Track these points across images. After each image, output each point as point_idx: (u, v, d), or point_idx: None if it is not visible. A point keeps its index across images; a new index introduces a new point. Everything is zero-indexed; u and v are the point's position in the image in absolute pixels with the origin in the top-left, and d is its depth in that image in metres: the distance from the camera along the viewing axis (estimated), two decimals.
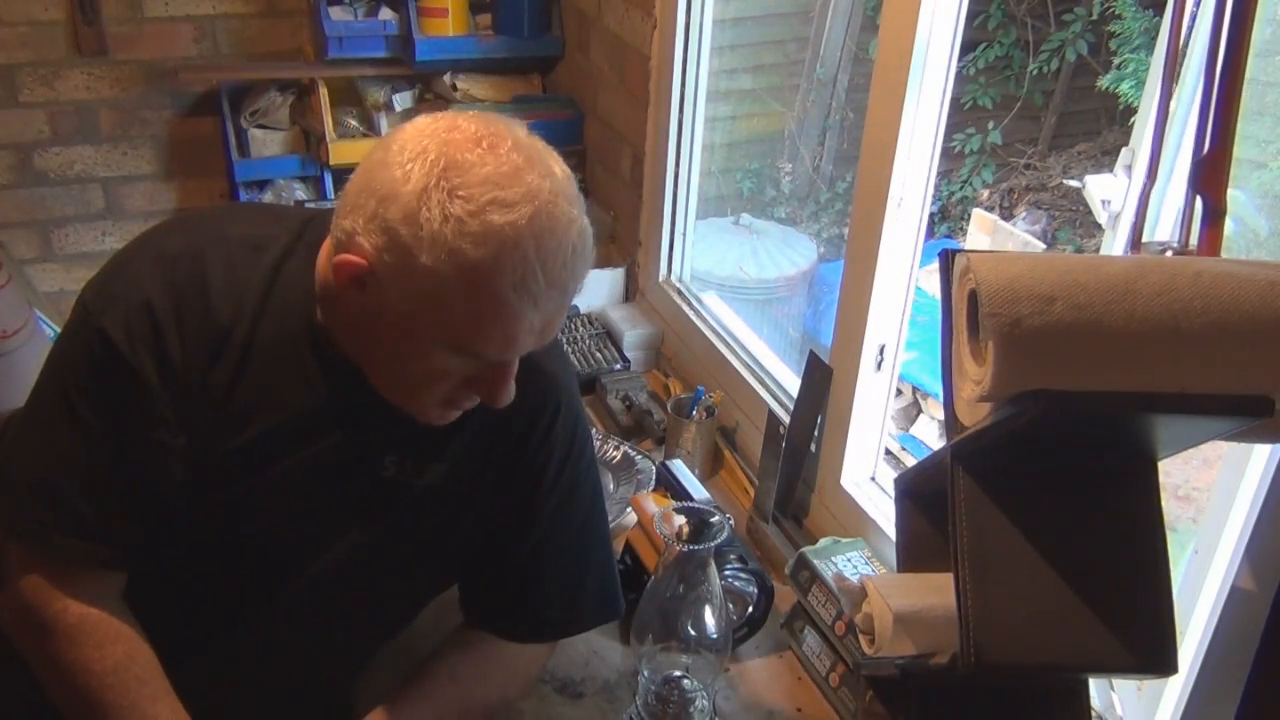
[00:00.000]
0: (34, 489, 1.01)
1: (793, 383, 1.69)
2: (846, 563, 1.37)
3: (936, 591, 0.91)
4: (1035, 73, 4.38)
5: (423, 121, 0.93)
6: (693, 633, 1.20)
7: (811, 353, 1.55)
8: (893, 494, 1.44)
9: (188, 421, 1.00)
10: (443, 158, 0.88)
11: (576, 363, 1.95)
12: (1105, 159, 4.34)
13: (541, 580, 1.17)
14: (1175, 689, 1.08)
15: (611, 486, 1.69)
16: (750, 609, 1.38)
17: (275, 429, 1.02)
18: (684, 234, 2.03)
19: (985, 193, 4.48)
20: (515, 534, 1.15)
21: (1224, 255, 0.85)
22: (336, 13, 2.37)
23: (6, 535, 1.03)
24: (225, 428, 1.01)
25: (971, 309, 0.77)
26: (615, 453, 1.74)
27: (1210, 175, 0.83)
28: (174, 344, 0.98)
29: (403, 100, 2.43)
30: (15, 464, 1.03)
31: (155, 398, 0.98)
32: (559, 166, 0.93)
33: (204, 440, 1.01)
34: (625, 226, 2.19)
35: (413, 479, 1.07)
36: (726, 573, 1.35)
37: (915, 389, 3.48)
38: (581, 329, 2.04)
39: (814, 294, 3.43)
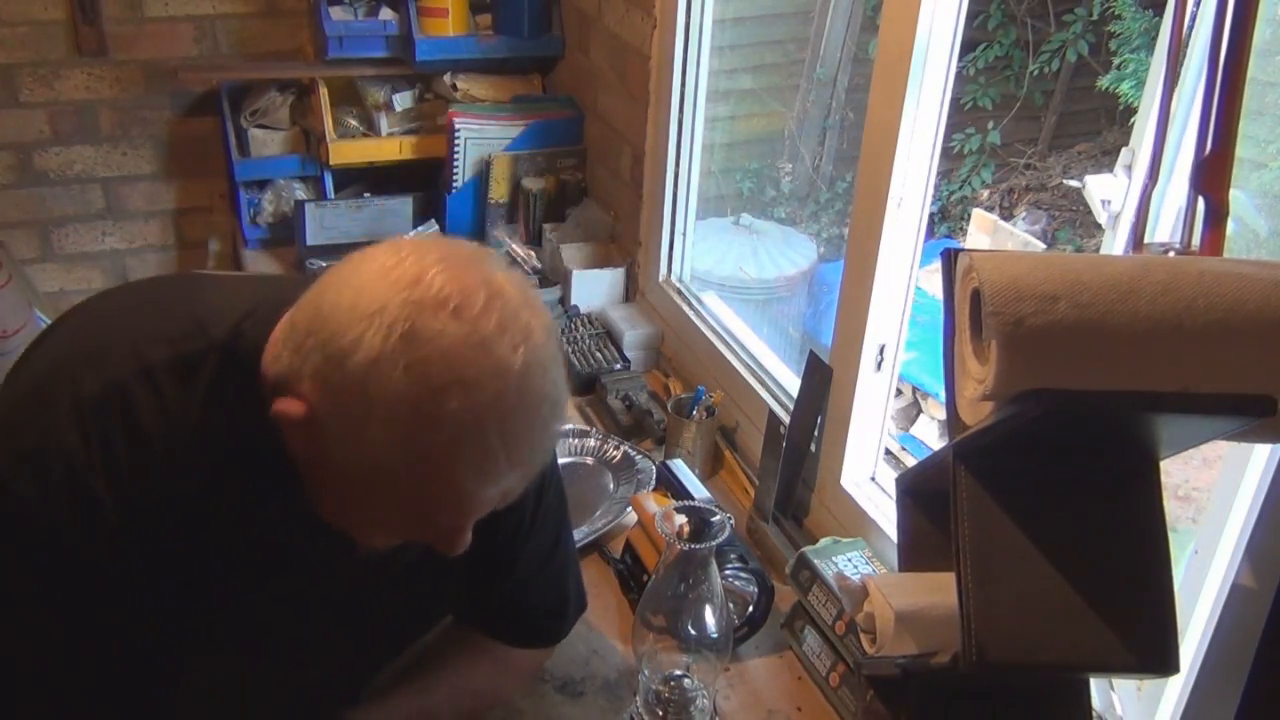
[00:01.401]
0: None
1: (793, 383, 1.69)
2: (847, 563, 1.37)
3: (938, 591, 0.91)
4: (1035, 73, 4.38)
5: (387, 263, 0.81)
6: (693, 632, 1.20)
7: (811, 353, 1.55)
8: (893, 494, 1.44)
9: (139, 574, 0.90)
10: (400, 323, 0.78)
11: (576, 363, 1.95)
12: (1105, 159, 4.34)
13: (528, 600, 1.20)
14: (1175, 689, 1.08)
15: (611, 486, 1.69)
16: (750, 608, 1.38)
17: (241, 563, 0.94)
18: (684, 234, 2.03)
19: (985, 193, 4.48)
20: (501, 571, 1.15)
21: (1225, 255, 0.85)
22: (336, 13, 2.37)
23: None
24: (187, 570, 0.92)
25: (974, 308, 0.77)
26: (615, 453, 1.74)
27: (1212, 176, 0.83)
28: (108, 503, 0.87)
29: (403, 100, 2.43)
30: None
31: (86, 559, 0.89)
32: (539, 321, 0.83)
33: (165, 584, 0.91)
34: (625, 226, 2.19)
35: (392, 558, 1.01)
36: (727, 572, 1.35)
37: (915, 389, 3.48)
38: (581, 329, 2.04)
39: (814, 294, 3.43)
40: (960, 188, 4.51)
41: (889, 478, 1.53)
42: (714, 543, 1.17)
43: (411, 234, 2.29)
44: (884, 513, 1.46)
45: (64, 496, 0.86)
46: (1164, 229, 1.10)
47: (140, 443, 0.88)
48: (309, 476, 0.88)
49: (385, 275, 0.80)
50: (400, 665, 1.19)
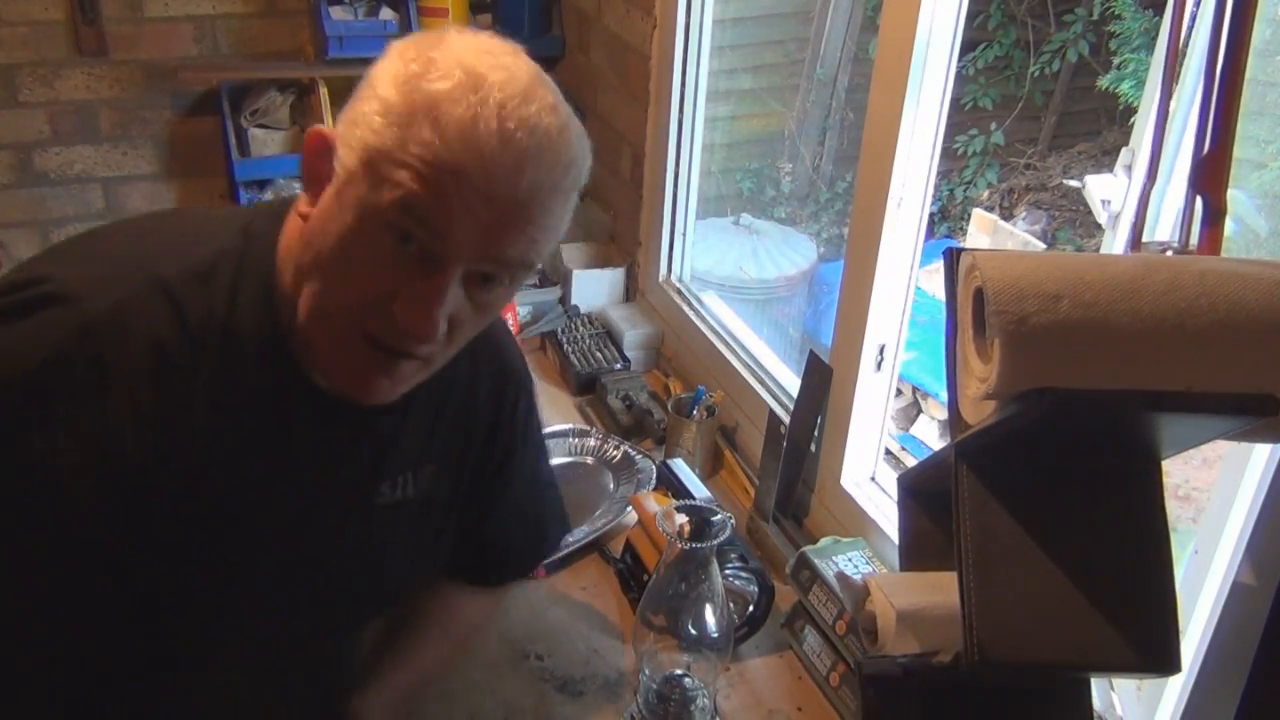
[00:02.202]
0: None
1: (793, 383, 1.69)
2: (847, 562, 1.37)
3: (939, 590, 0.91)
4: (1035, 73, 4.38)
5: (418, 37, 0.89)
6: (694, 631, 1.20)
7: (811, 353, 1.55)
8: (893, 494, 1.44)
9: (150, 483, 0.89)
10: (424, 49, 0.86)
11: (576, 363, 1.95)
12: (1105, 159, 4.35)
13: (512, 534, 1.22)
14: (1175, 689, 1.08)
15: (611, 486, 1.69)
16: (751, 608, 1.38)
17: (263, 484, 0.94)
18: (684, 234, 2.04)
19: (985, 193, 4.49)
20: (492, 502, 1.17)
21: (1224, 255, 0.85)
22: (337, 12, 2.37)
23: None
24: (206, 486, 0.91)
25: (977, 307, 0.77)
26: (615, 452, 1.74)
27: (1211, 175, 0.83)
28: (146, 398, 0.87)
29: None
30: None
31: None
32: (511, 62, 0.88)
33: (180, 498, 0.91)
34: (625, 226, 2.19)
35: (409, 495, 1.04)
36: (727, 572, 1.35)
37: (915, 389, 3.48)
38: (581, 329, 2.04)
39: (814, 294, 3.43)
40: (965, 189, 4.51)
41: (889, 478, 1.53)
42: (715, 542, 1.17)
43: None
44: (884, 513, 1.46)
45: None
46: (1164, 229, 1.10)
47: (157, 355, 0.87)
48: (314, 258, 0.87)
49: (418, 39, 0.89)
50: (382, 634, 1.20)
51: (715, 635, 1.20)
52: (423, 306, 0.85)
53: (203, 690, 1.03)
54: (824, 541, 1.43)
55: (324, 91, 2.38)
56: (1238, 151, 0.84)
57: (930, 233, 3.38)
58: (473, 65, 0.83)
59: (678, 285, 2.05)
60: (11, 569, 0.89)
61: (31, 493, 0.86)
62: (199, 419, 0.89)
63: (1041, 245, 3.92)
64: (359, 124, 0.85)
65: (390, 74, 0.85)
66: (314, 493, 0.98)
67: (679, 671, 1.23)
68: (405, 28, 2.35)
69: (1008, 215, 4.32)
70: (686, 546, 1.17)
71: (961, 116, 4.38)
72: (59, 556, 0.88)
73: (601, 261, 2.20)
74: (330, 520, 1.00)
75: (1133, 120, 1.32)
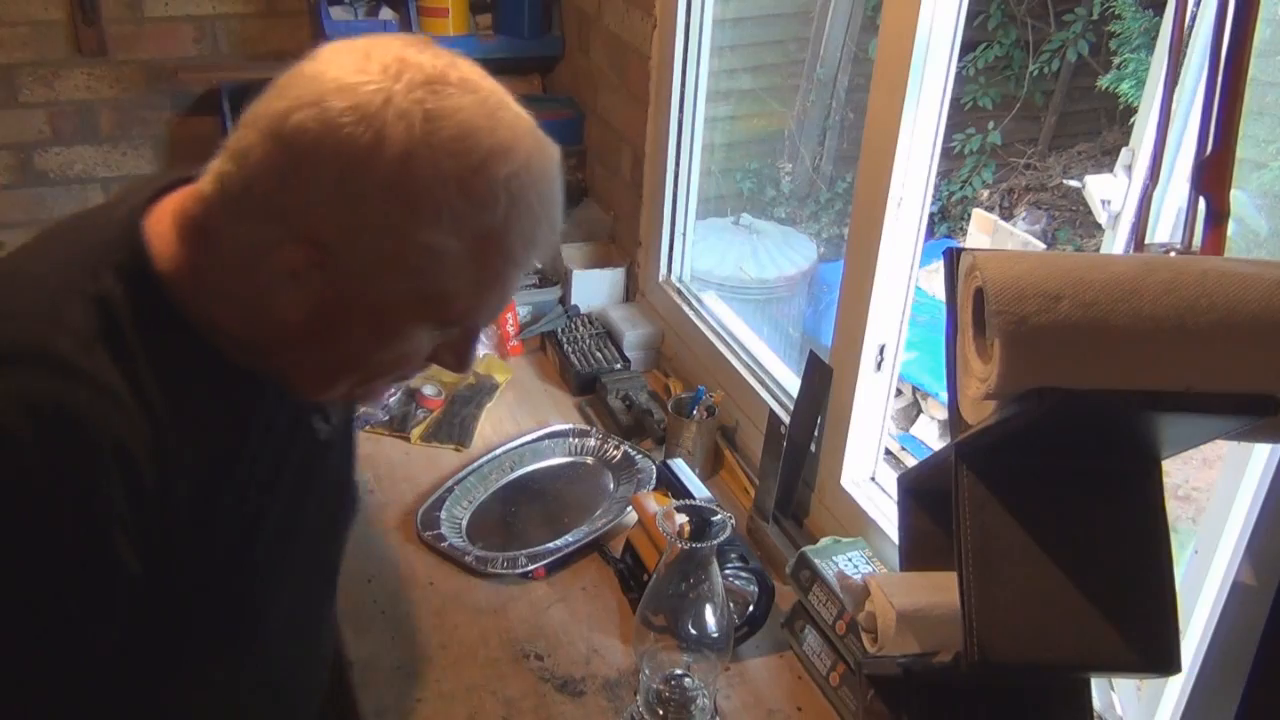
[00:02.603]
0: None
1: (793, 383, 1.69)
2: (847, 562, 1.37)
3: (939, 590, 0.91)
4: (1035, 73, 4.38)
5: (351, 65, 0.76)
6: (694, 631, 1.20)
7: (811, 353, 1.55)
8: (893, 494, 1.44)
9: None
10: (415, 106, 0.74)
11: (576, 363, 1.95)
12: (1105, 159, 4.35)
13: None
14: (1175, 689, 1.08)
15: (611, 486, 1.69)
16: (751, 608, 1.38)
17: (264, 483, 0.92)
18: (684, 234, 2.03)
19: (985, 193, 4.49)
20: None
21: (1225, 256, 0.85)
22: (337, 13, 2.37)
23: None
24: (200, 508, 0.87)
25: (977, 307, 0.77)
26: (615, 452, 1.74)
27: (1213, 176, 0.83)
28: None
29: None
30: None
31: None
32: (489, 79, 0.82)
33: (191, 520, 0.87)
34: (625, 226, 2.19)
35: (334, 423, 1.02)
36: (727, 571, 1.35)
37: (915, 389, 3.48)
38: (581, 329, 2.04)
39: (814, 294, 3.43)
40: (961, 188, 4.51)
41: (889, 478, 1.53)
42: (715, 542, 1.17)
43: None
44: (884, 513, 1.46)
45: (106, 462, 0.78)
46: (1164, 229, 1.10)
47: (122, 454, 0.79)
48: (294, 344, 0.83)
49: (363, 73, 0.75)
50: None
51: (715, 635, 1.20)
52: (471, 354, 0.89)
53: (242, 676, 1.02)
54: (824, 541, 1.43)
55: None
56: (1238, 151, 0.84)
57: (930, 233, 3.38)
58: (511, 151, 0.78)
59: (678, 285, 2.05)
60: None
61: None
62: (188, 473, 0.84)
63: (1041, 245, 3.92)
64: (407, 264, 0.77)
65: (440, 210, 0.75)
66: (292, 461, 0.96)
67: (679, 671, 1.23)
68: (405, 27, 2.35)
69: (1008, 215, 4.32)
70: (686, 546, 1.17)
71: (961, 116, 4.38)
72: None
73: (601, 261, 2.20)
74: (307, 475, 0.99)
75: (1133, 120, 1.32)
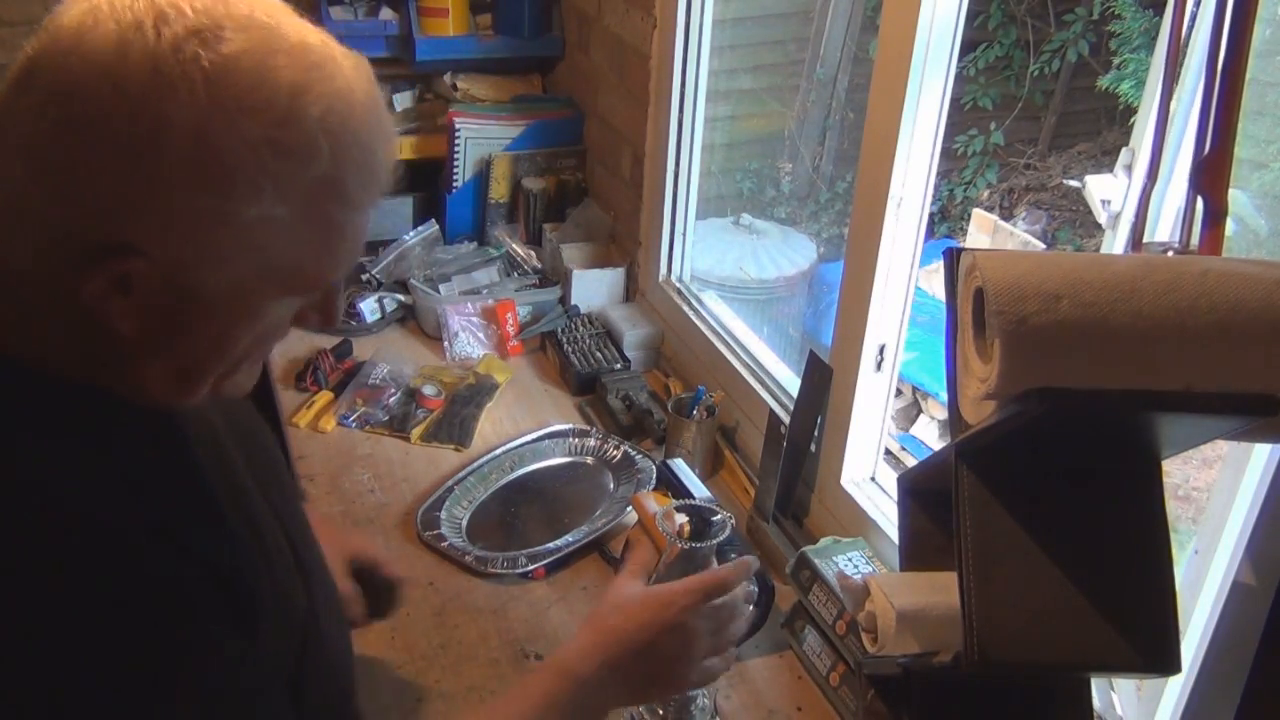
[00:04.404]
0: None
1: (793, 383, 1.69)
2: (847, 562, 1.37)
3: (940, 590, 0.91)
4: (1035, 73, 4.39)
5: (92, 13, 0.66)
6: None
7: (811, 353, 1.55)
8: (893, 494, 1.44)
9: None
10: (189, 68, 0.62)
11: (576, 363, 1.95)
12: (1105, 159, 4.35)
13: None
14: (1175, 689, 1.08)
15: (611, 486, 1.69)
16: (751, 608, 1.38)
17: (265, 509, 0.86)
18: (684, 234, 2.03)
19: (985, 192, 4.49)
20: None
21: (1224, 255, 0.85)
22: (337, 12, 2.37)
23: None
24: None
25: (977, 307, 0.77)
26: (615, 452, 1.74)
27: (1211, 176, 0.83)
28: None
29: (402, 100, 2.43)
30: None
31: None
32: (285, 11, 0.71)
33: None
34: (625, 226, 2.19)
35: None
36: None
37: (915, 389, 3.49)
38: (581, 329, 2.04)
39: (814, 294, 3.43)
40: (965, 189, 4.51)
41: (889, 478, 1.53)
42: (715, 541, 1.17)
43: None
44: (884, 513, 1.46)
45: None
46: (1164, 229, 1.10)
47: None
48: (151, 355, 0.71)
49: (115, 40, 0.63)
50: None
51: None
52: (337, 308, 0.80)
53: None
54: (824, 541, 1.43)
55: None
56: (1238, 152, 0.84)
57: (930, 233, 3.38)
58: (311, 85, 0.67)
59: (678, 285, 2.05)
60: None
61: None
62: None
63: (1041, 245, 3.92)
64: (236, 244, 0.67)
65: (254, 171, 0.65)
66: (262, 466, 0.90)
67: None
68: (405, 27, 2.34)
69: (1008, 215, 4.32)
70: (686, 546, 1.17)
71: (961, 116, 4.39)
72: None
73: (601, 261, 2.20)
74: (277, 466, 0.94)
75: (1133, 120, 1.32)
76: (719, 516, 1.20)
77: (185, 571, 0.69)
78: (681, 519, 1.21)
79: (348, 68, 0.70)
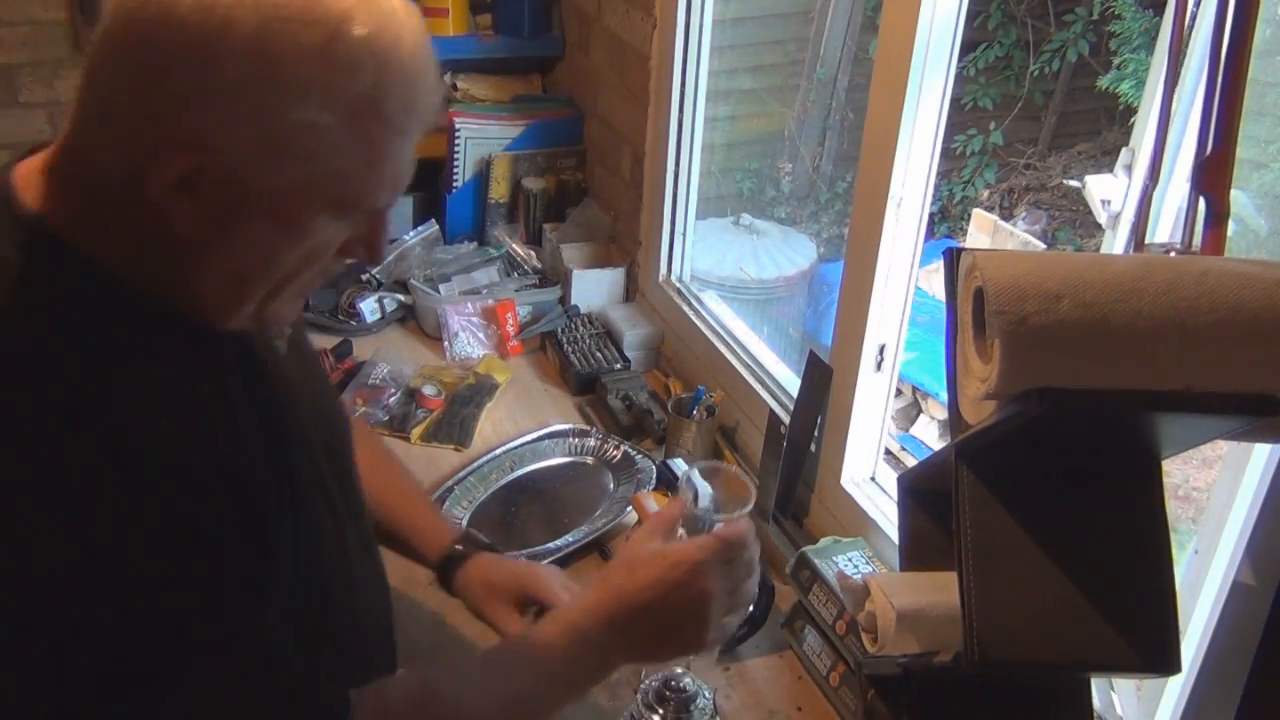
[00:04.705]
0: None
1: (793, 383, 1.69)
2: (847, 562, 1.37)
3: (940, 590, 0.91)
4: (1035, 73, 4.39)
5: None
6: None
7: (811, 353, 1.55)
8: (893, 494, 1.44)
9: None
10: None
11: (576, 363, 1.95)
12: (1105, 159, 4.35)
13: None
14: (1175, 689, 1.08)
15: (611, 486, 1.69)
16: (751, 608, 1.38)
17: (304, 418, 0.95)
18: (684, 234, 2.03)
19: (985, 193, 4.49)
20: None
21: (1225, 256, 0.85)
22: None
23: None
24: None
25: (977, 307, 0.77)
26: (615, 452, 1.74)
27: (1213, 176, 0.83)
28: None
29: None
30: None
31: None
32: None
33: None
34: (625, 226, 2.19)
35: (300, 334, 1.05)
36: None
37: (915, 389, 3.49)
38: (581, 329, 2.04)
39: (814, 294, 3.43)
40: (965, 189, 4.51)
41: (889, 478, 1.53)
42: (741, 513, 1.12)
43: None
44: (884, 513, 1.46)
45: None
46: (1164, 229, 1.10)
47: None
48: (196, 268, 0.79)
49: None
50: None
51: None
52: (383, 241, 0.87)
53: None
54: (824, 541, 1.43)
55: None
56: (1238, 152, 0.84)
57: (930, 233, 3.38)
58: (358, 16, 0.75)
59: (678, 285, 2.05)
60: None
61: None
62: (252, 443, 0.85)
63: (1041, 245, 3.92)
64: (288, 153, 0.75)
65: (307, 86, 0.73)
66: (308, 382, 0.99)
67: (679, 670, 1.23)
68: None
69: (1008, 215, 4.32)
70: (700, 511, 1.12)
71: (961, 116, 4.38)
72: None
73: (601, 261, 2.20)
74: (320, 388, 1.03)
75: (1133, 120, 1.32)
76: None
77: (196, 458, 0.77)
78: (700, 485, 1.20)
79: (401, 7, 0.78)
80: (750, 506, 1.13)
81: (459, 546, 1.24)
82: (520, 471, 1.71)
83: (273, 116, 0.73)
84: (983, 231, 3.83)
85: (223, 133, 0.73)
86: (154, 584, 0.74)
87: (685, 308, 1.98)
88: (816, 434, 1.56)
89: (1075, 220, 4.18)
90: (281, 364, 0.95)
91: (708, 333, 1.90)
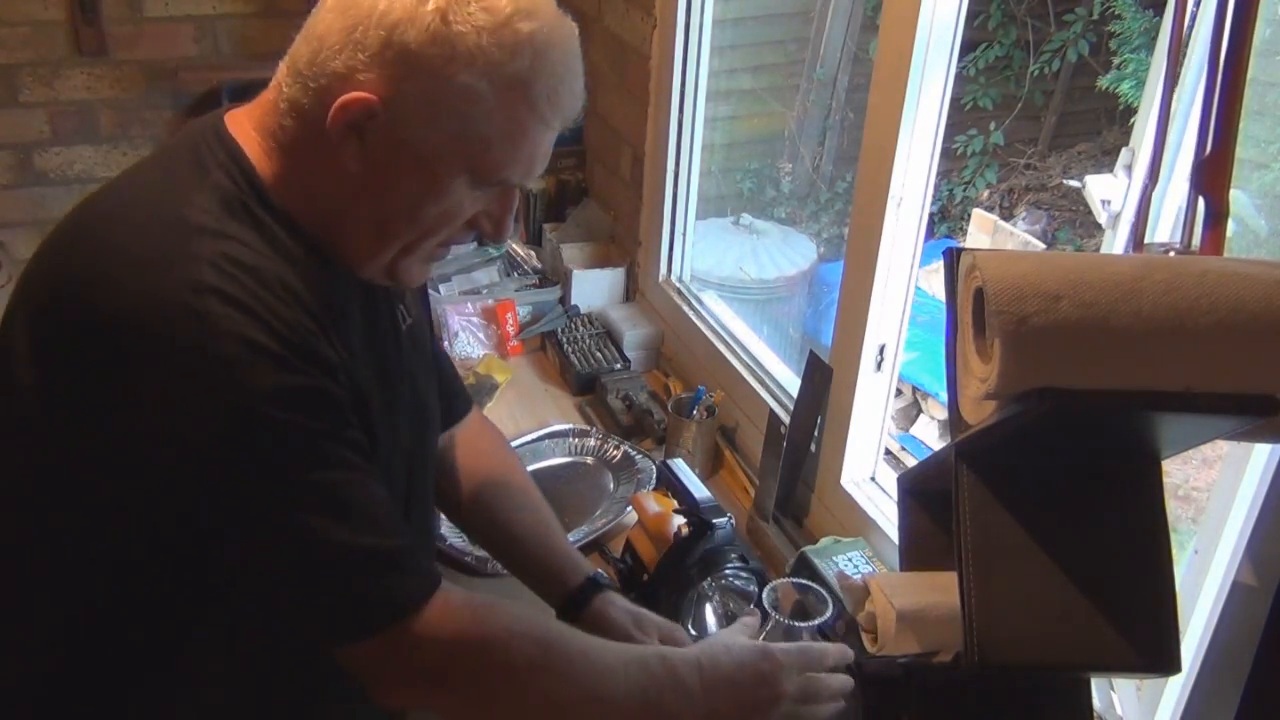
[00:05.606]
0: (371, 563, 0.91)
1: (793, 383, 1.69)
2: (847, 562, 1.37)
3: (940, 590, 0.91)
4: (1035, 73, 4.38)
5: None
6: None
7: (811, 353, 1.55)
8: (893, 494, 1.44)
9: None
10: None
11: (576, 363, 1.95)
12: (1105, 159, 4.35)
13: (443, 361, 1.31)
14: (1175, 689, 1.08)
15: (611, 486, 1.69)
16: (751, 608, 1.38)
17: (387, 365, 1.04)
18: (684, 234, 2.04)
19: (985, 193, 4.49)
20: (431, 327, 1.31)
21: (1225, 256, 0.85)
22: None
23: (395, 617, 0.92)
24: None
25: (977, 307, 0.77)
26: (615, 452, 1.74)
27: (1212, 176, 0.83)
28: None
29: None
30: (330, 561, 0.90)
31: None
32: None
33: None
34: (625, 226, 2.19)
35: (414, 315, 1.14)
36: (727, 572, 1.35)
37: (915, 389, 3.48)
38: (581, 329, 2.04)
39: (814, 294, 3.43)
40: (965, 189, 4.51)
41: (889, 478, 1.53)
42: (815, 623, 1.15)
43: None
44: (884, 513, 1.46)
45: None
46: (1164, 229, 1.10)
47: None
48: (356, 206, 0.93)
49: None
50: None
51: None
52: (508, 220, 0.99)
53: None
54: (824, 541, 1.43)
55: None
56: (1238, 152, 0.84)
57: (930, 233, 3.37)
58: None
59: (677, 285, 2.05)
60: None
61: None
62: (349, 344, 0.97)
63: (1041, 245, 3.92)
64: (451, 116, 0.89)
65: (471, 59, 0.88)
66: (397, 347, 1.08)
67: None
68: None
69: (1008, 215, 4.32)
70: (786, 623, 1.15)
71: (961, 116, 4.38)
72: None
73: (601, 261, 2.20)
74: (407, 360, 1.10)
75: (1133, 120, 1.32)
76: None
77: (327, 355, 0.91)
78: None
79: (564, 20, 0.94)
80: (827, 617, 1.17)
81: (582, 589, 1.23)
82: None
83: (440, 76, 0.87)
84: (983, 231, 3.83)
85: (397, 85, 0.87)
86: (326, 435, 0.89)
87: (685, 308, 1.98)
88: (816, 434, 1.56)
89: (1075, 220, 4.17)
90: (402, 336, 1.09)
91: (708, 333, 1.90)
